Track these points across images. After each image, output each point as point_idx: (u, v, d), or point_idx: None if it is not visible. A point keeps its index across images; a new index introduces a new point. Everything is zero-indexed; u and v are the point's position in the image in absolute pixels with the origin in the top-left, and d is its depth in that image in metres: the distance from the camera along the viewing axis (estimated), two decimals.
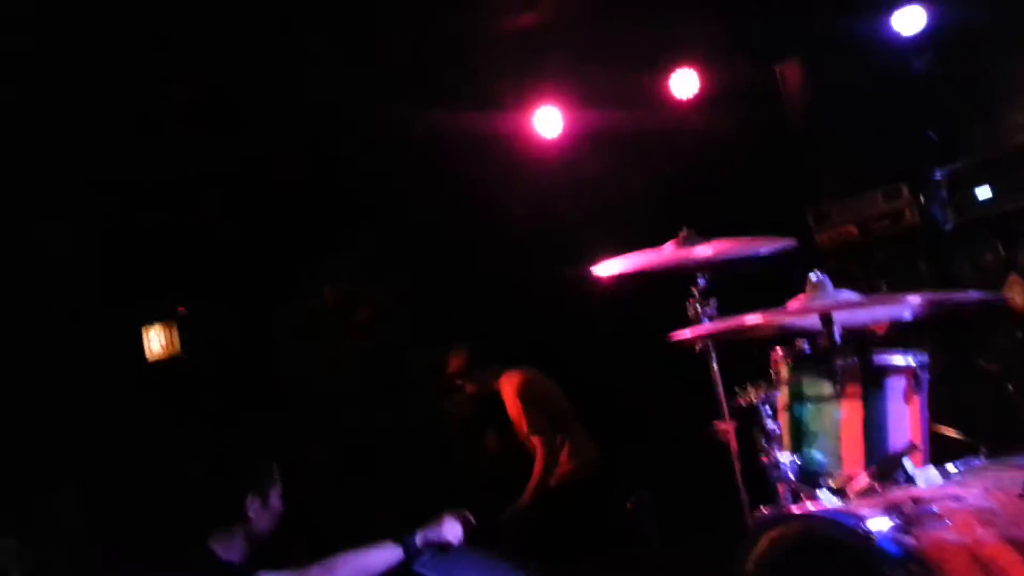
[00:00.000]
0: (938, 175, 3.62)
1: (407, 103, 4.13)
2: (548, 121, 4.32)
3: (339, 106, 4.19)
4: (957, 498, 2.12)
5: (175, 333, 4.81)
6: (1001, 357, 3.40)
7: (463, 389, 4.25)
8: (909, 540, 1.99)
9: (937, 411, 2.62)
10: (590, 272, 2.99)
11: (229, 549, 2.69)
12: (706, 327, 2.76)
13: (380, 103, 4.15)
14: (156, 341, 4.83)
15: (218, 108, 4.20)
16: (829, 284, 2.49)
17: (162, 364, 4.75)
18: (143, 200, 4.29)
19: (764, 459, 2.62)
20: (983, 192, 3.45)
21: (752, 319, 2.45)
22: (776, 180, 3.96)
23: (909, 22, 3.72)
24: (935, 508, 2.06)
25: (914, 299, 2.35)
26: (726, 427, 2.87)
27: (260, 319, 4.69)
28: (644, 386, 4.06)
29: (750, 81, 4.09)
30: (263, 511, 2.70)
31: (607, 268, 2.99)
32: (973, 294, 2.48)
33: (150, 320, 4.78)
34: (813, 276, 2.52)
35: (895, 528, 2.01)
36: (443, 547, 2.81)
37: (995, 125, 3.50)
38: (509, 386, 4.14)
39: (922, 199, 3.67)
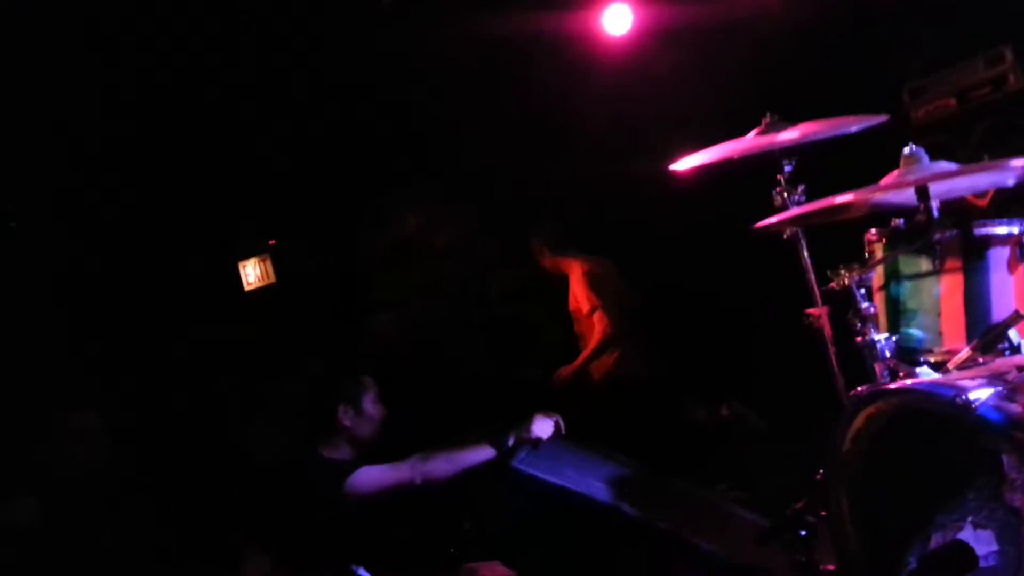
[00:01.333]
0: None
1: (474, 11, 4.08)
2: (618, 18, 4.20)
3: (408, 20, 4.18)
4: None
5: (269, 265, 5.08)
6: None
7: (537, 263, 4.29)
8: (1013, 407, 1.95)
9: None
10: (671, 169, 2.95)
11: (335, 451, 2.99)
12: (793, 211, 2.69)
13: (446, 11, 4.12)
14: (252, 273, 5.12)
15: (297, 53, 4.28)
16: (925, 157, 2.39)
17: (258, 293, 5.04)
18: (236, 147, 4.46)
19: (859, 340, 2.59)
20: None
21: (842, 198, 2.38)
22: (866, 60, 3.76)
23: None
24: None
25: (1017, 163, 2.22)
26: (819, 312, 2.84)
27: (347, 249, 4.86)
28: (733, 280, 4.01)
29: None
30: (359, 418, 2.99)
31: (686, 163, 2.94)
32: None
33: (245, 255, 5.05)
34: (907, 149, 2.42)
35: (997, 395, 1.97)
36: (535, 443, 2.92)
37: None
38: (580, 270, 4.20)
39: None
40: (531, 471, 2.85)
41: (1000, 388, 1.99)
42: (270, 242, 5.10)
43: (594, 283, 4.19)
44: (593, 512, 2.84)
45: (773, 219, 2.65)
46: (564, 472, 2.88)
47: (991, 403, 1.97)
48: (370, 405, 3.02)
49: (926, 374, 2.35)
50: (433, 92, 4.46)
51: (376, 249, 4.88)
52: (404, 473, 2.86)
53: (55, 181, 4.19)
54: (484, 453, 2.88)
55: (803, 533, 2.61)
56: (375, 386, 3.07)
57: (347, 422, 2.97)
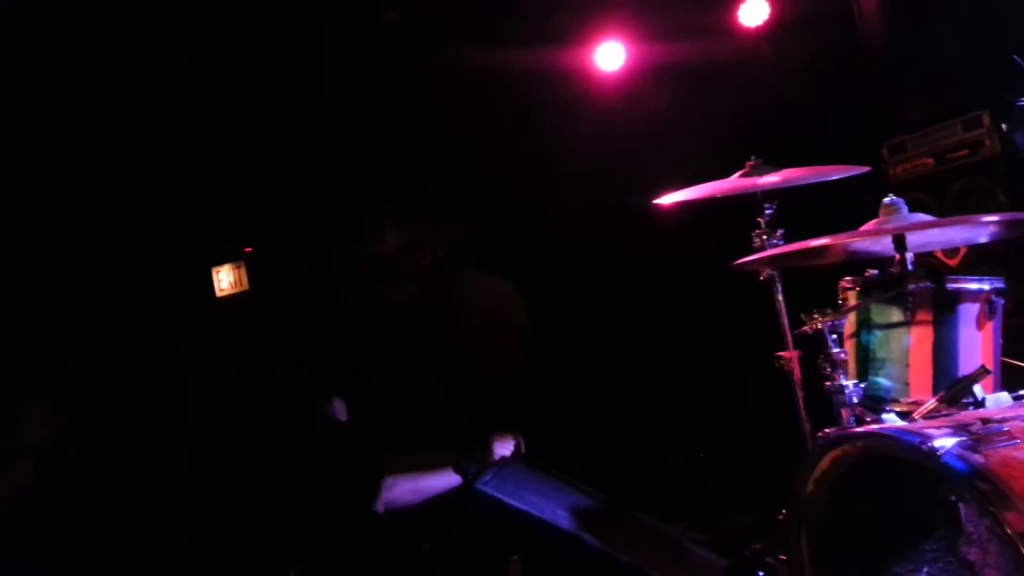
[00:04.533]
0: (1021, 102, 3.48)
1: (465, 44, 4.13)
2: (610, 56, 4.27)
3: (397, 50, 4.22)
4: None
5: (243, 272, 5.04)
6: None
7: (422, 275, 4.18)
8: (976, 457, 1.97)
9: (1010, 344, 2.57)
10: (655, 205, 3.00)
11: None
12: (771, 251, 2.74)
13: (438, 44, 4.16)
14: (225, 280, 5.06)
15: (282, 58, 4.28)
16: (904, 207, 2.45)
17: (230, 300, 4.98)
18: (215, 150, 4.44)
19: (828, 384, 2.62)
20: None
21: (819, 242, 2.43)
22: (850, 112, 3.85)
23: None
24: (1005, 427, 2.03)
25: (990, 219, 2.29)
26: (790, 356, 2.88)
27: (325, 263, 4.83)
28: (708, 318, 4.05)
29: (824, 7, 3.95)
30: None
31: (670, 198, 2.99)
32: None
33: (219, 261, 5.01)
34: (887, 199, 2.47)
35: (961, 445, 2.00)
36: (500, 465, 2.90)
37: None
38: (471, 289, 4.04)
39: (1004, 127, 3.53)
40: (494, 494, 2.83)
41: (964, 438, 2.02)
42: (246, 249, 5.06)
43: (482, 307, 4.02)
44: (554, 539, 2.82)
45: (750, 258, 2.69)
46: (527, 497, 2.87)
47: (955, 452, 1.99)
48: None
49: (892, 421, 2.38)
50: (426, 114, 4.48)
51: (355, 264, 4.86)
52: None
53: (24, 180, 4.14)
54: (449, 480, 2.86)
55: (760, 574, 2.61)
56: (340, 403, 3.04)
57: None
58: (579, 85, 4.32)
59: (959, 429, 2.06)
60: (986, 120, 3.56)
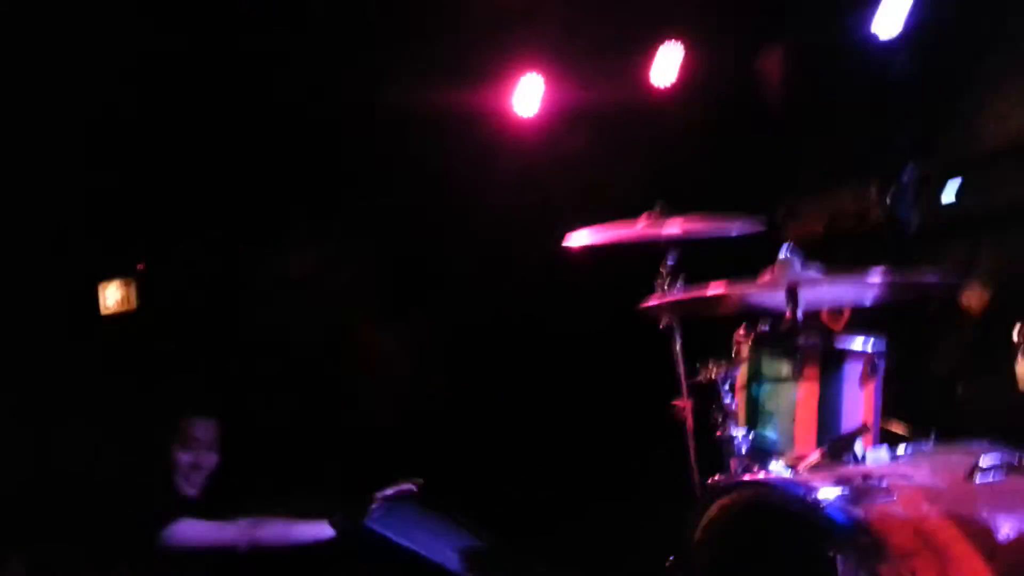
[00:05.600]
0: (908, 176, 3.69)
1: (382, 79, 4.10)
2: (527, 98, 4.31)
3: (309, 79, 4.15)
4: (905, 476, 2.17)
5: (132, 290, 4.74)
6: (951, 359, 3.48)
7: None
8: (857, 511, 2.02)
9: (888, 406, 2.67)
10: (561, 246, 3.02)
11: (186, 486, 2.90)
12: (670, 296, 2.79)
13: (354, 77, 4.12)
14: (112, 297, 4.75)
15: (184, 71, 4.13)
16: (797, 263, 2.52)
17: (116, 319, 4.68)
18: (107, 156, 4.22)
19: (719, 434, 2.66)
20: (950, 194, 3.52)
21: (716, 289, 2.47)
22: (752, 171, 4.00)
23: (890, 23, 3.78)
24: (884, 483, 2.10)
25: (878, 276, 2.39)
26: (683, 404, 2.92)
27: (226, 278, 4.63)
28: (605, 363, 4.09)
29: (733, 68, 4.12)
30: (191, 458, 2.93)
31: (577, 239, 3.02)
32: (934, 277, 2.52)
33: (107, 275, 4.71)
34: (783, 253, 2.55)
35: (844, 499, 2.05)
36: (392, 503, 2.84)
37: (966, 129, 3.57)
38: None
39: (889, 199, 3.73)
40: (384, 532, 2.77)
41: (847, 492, 2.07)
42: (139, 266, 4.77)
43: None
44: None
45: (651, 303, 2.72)
46: (417, 536, 2.82)
47: (838, 504, 2.04)
48: (202, 448, 2.96)
49: (779, 472, 2.42)
50: (341, 138, 4.40)
51: (259, 286, 4.67)
52: (228, 534, 2.77)
53: None
54: (320, 531, 2.79)
55: None
56: (212, 428, 2.97)
57: (181, 461, 2.91)
58: (494, 127, 4.34)
59: (842, 483, 2.12)
60: (873, 190, 3.76)
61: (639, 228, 2.96)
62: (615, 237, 2.99)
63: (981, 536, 1.96)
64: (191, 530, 2.76)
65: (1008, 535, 1.97)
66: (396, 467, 3.07)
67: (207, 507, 2.89)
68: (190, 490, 2.92)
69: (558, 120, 4.25)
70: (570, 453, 4.00)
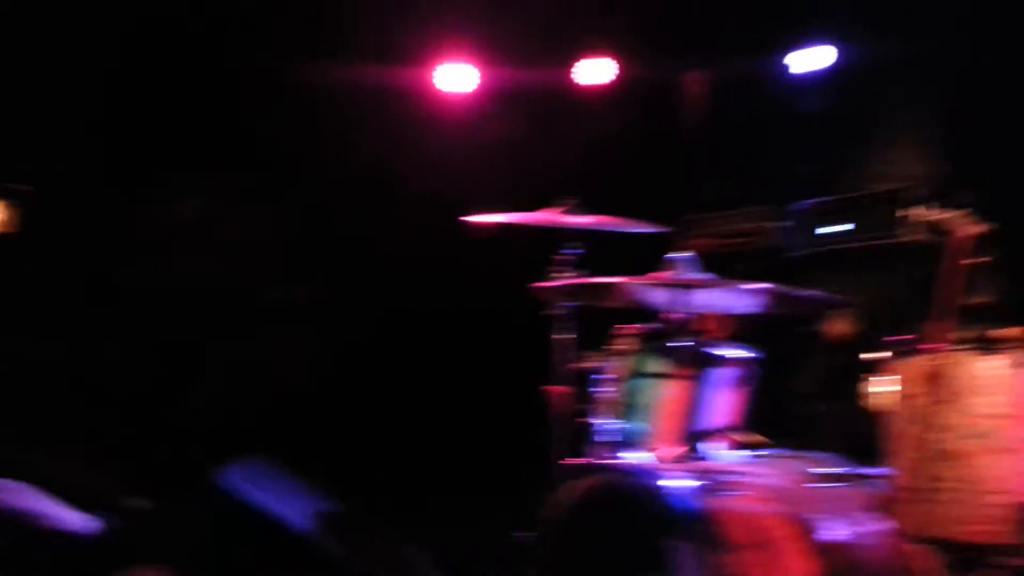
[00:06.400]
0: (800, 206, 3.90)
1: (304, 55, 4.04)
2: (451, 78, 4.32)
3: (229, 54, 4.05)
4: (753, 475, 2.31)
5: (13, 211, 4.50)
6: (813, 381, 3.71)
7: None
8: (703, 502, 2.14)
9: (752, 416, 2.82)
10: (464, 227, 3.07)
11: None
12: (563, 280, 2.87)
13: (278, 51, 4.05)
14: None
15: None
16: (689, 265, 2.64)
17: None
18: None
19: (586, 421, 2.76)
20: (833, 227, 3.75)
21: (610, 280, 2.56)
22: (661, 180, 4.14)
23: (807, 62, 4.00)
24: (732, 480, 2.23)
25: (765, 286, 2.53)
26: (557, 391, 3.01)
27: (112, 221, 4.44)
28: (493, 345, 4.15)
29: (657, 82, 4.25)
30: None
31: (480, 218, 3.08)
32: (816, 293, 2.68)
33: None
34: (673, 255, 2.66)
35: (693, 490, 2.16)
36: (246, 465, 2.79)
37: (859, 170, 3.81)
38: None
39: (782, 225, 3.94)
40: (237, 488, 2.72)
41: (698, 484, 2.19)
42: (18, 187, 4.50)
43: None
44: (292, 538, 2.74)
45: (547, 284, 2.79)
46: (270, 494, 2.79)
47: (689, 494, 2.15)
48: None
49: (635, 459, 2.53)
50: (262, 103, 4.28)
51: (146, 226, 4.49)
52: None
53: None
54: (78, 523, 2.52)
55: None
56: None
57: None
58: (417, 105, 4.34)
59: (694, 475, 2.24)
60: (769, 215, 3.96)
61: (544, 216, 3.04)
62: (519, 220, 3.06)
63: (811, 537, 2.11)
64: None
65: (833, 538, 2.13)
66: (258, 442, 3.02)
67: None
68: None
69: (481, 104, 4.28)
70: (442, 432, 4.05)
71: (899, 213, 3.53)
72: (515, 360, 3.55)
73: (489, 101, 4.29)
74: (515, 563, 2.49)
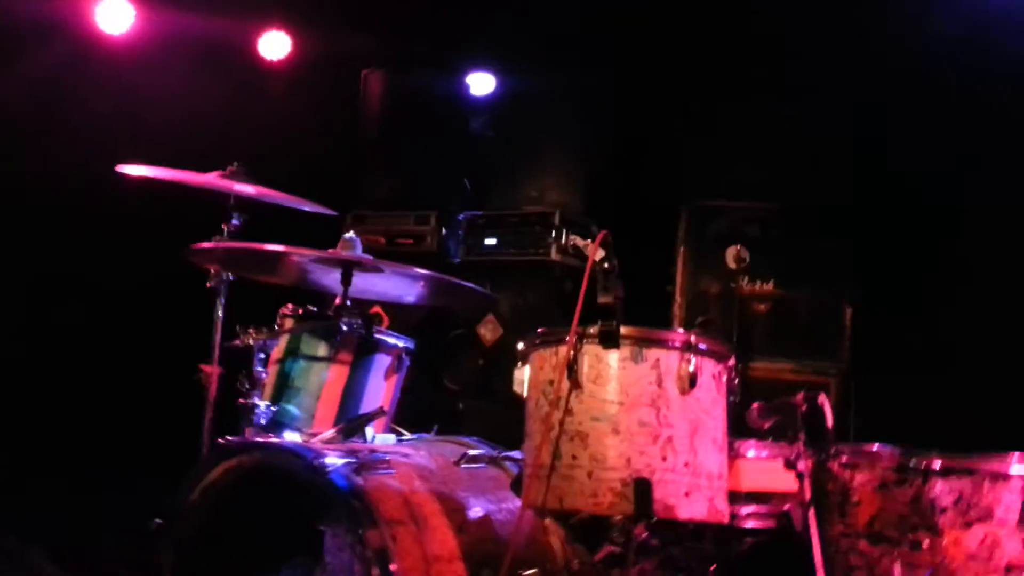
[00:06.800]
0: (462, 216, 4.15)
1: None
2: (116, 16, 3.96)
3: None
4: (405, 455, 2.37)
5: None
6: (462, 379, 3.94)
7: None
8: (357, 480, 2.14)
9: (402, 406, 2.90)
10: (117, 171, 2.77)
11: None
12: (222, 244, 2.71)
13: None
14: None
15: None
16: (359, 246, 2.64)
17: None
18: None
19: (241, 402, 2.63)
20: (490, 240, 4.05)
21: (279, 248, 2.47)
22: (333, 171, 4.12)
23: (479, 85, 4.28)
24: (385, 459, 2.26)
25: (432, 273, 2.62)
26: (211, 370, 2.82)
27: None
28: (144, 317, 3.79)
29: (339, 74, 4.25)
30: None
31: (138, 170, 2.80)
32: (476, 287, 2.83)
33: None
34: (348, 235, 2.65)
35: (347, 467, 2.15)
36: None
37: (514, 191, 4.16)
38: None
39: (444, 231, 4.15)
40: None
41: (351, 462, 2.18)
42: None
43: None
44: None
45: (202, 245, 2.61)
46: None
47: (341, 472, 2.14)
48: None
49: (290, 438, 2.46)
50: None
51: None
52: None
53: None
54: None
55: None
56: None
57: None
58: (78, 43, 3.87)
59: (348, 454, 2.23)
60: (433, 220, 4.15)
61: (209, 177, 2.85)
62: (181, 178, 2.84)
63: (457, 512, 2.22)
64: None
65: (477, 514, 2.26)
66: None
67: None
68: None
69: (148, 51, 3.94)
70: (83, 409, 3.59)
71: (547, 234, 3.93)
72: (170, 334, 3.29)
73: (155, 49, 3.96)
74: (152, 551, 2.26)
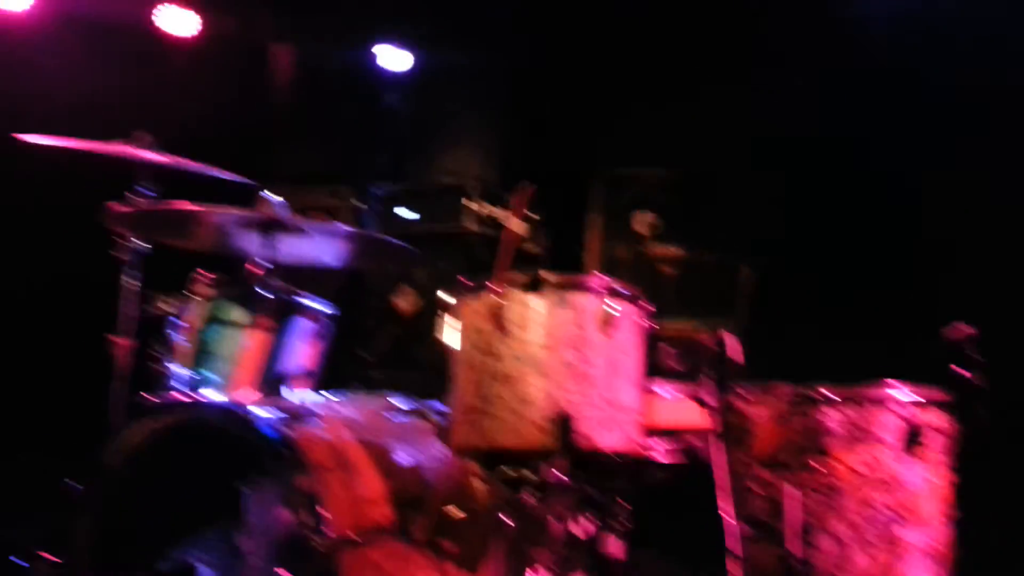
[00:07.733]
0: (378, 191, 4.16)
1: None
2: None
3: None
4: (332, 409, 2.39)
5: None
6: (376, 349, 3.96)
7: None
8: (286, 431, 2.16)
9: (321, 377, 2.90)
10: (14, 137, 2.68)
11: None
12: (137, 205, 2.66)
13: None
14: None
15: None
16: (280, 208, 2.62)
17: None
18: None
19: (157, 369, 2.59)
20: (407, 214, 4.08)
21: (197, 207, 2.45)
22: (244, 144, 4.06)
23: (392, 60, 4.30)
24: (313, 411, 2.29)
25: (348, 230, 2.64)
26: (123, 343, 2.76)
27: None
28: (52, 288, 3.65)
29: (248, 46, 4.19)
30: None
31: (40, 140, 2.72)
32: (398, 242, 2.83)
33: None
34: (265, 194, 2.64)
35: (277, 420, 2.17)
36: None
37: (430, 164, 4.20)
38: None
39: (359, 206, 4.15)
40: None
41: (280, 415, 2.20)
42: None
43: None
44: None
45: (119, 209, 2.55)
46: None
47: (272, 423, 2.15)
48: None
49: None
50: None
51: None
52: None
53: None
54: None
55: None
56: None
57: None
58: None
59: (276, 409, 2.24)
60: (348, 195, 4.15)
61: (118, 148, 2.79)
62: (87, 147, 2.77)
63: (383, 459, 2.27)
64: None
65: (404, 460, 2.31)
66: None
67: None
68: None
69: (52, 31, 3.79)
70: None
71: (461, 205, 3.98)
72: (80, 303, 3.18)
73: (59, 28, 3.81)
74: (66, 515, 2.21)
